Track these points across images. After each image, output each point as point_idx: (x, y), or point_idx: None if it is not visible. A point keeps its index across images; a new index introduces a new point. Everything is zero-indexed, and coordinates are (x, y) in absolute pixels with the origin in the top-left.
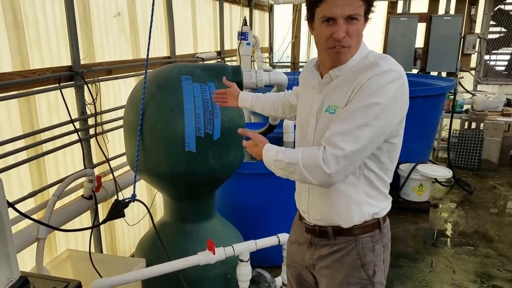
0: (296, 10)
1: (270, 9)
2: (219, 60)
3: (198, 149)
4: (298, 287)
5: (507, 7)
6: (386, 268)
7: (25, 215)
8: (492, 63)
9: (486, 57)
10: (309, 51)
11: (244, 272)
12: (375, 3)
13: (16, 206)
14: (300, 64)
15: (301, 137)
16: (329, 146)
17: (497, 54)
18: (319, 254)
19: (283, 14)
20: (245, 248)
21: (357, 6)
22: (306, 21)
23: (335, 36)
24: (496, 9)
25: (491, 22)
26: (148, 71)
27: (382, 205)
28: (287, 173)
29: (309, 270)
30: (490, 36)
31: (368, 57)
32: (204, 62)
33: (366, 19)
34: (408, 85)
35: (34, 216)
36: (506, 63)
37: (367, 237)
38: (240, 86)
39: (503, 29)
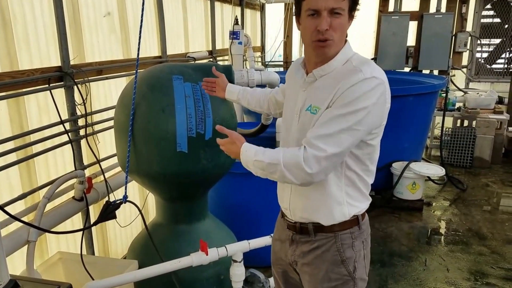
0: (288, 9)
1: (262, 8)
2: (211, 59)
3: (190, 149)
4: (284, 284)
5: None
6: (367, 264)
7: (15, 218)
8: (483, 55)
9: (478, 54)
10: (301, 50)
11: (238, 273)
12: (361, 1)
13: (5, 208)
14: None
15: (286, 134)
16: (310, 147)
17: (489, 45)
18: (301, 250)
19: (275, 13)
20: (238, 248)
21: (340, 0)
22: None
23: (319, 28)
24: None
25: (484, 13)
26: (138, 71)
27: (362, 206)
28: (267, 173)
29: (293, 267)
30: (484, 20)
31: (351, 61)
32: (196, 61)
33: (351, 16)
34: (389, 90)
35: (24, 219)
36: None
37: (346, 234)
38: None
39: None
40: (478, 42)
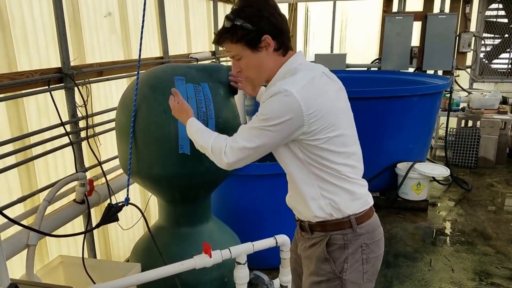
0: (292, 9)
1: None
2: (214, 60)
3: (192, 151)
4: (293, 269)
5: None
6: (367, 270)
7: (14, 221)
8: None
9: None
10: (305, 50)
11: (242, 275)
12: (365, 2)
13: (4, 212)
14: None
15: None
16: (232, 138)
17: (492, 44)
18: (303, 245)
19: None
20: (242, 250)
21: (230, 52)
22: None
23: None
24: None
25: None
26: (140, 72)
27: (345, 200)
28: (201, 150)
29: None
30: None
31: (284, 75)
32: (199, 62)
33: (258, 49)
34: (301, 100)
35: (24, 222)
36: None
37: (338, 235)
38: (235, 86)
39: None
40: (482, 42)
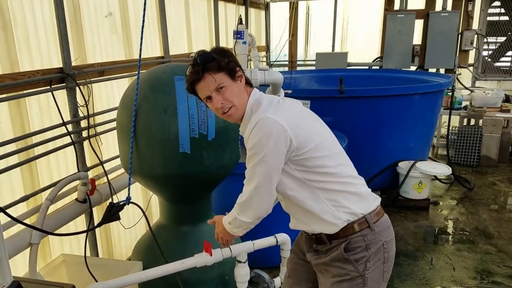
0: (293, 8)
1: (266, 7)
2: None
3: (192, 150)
4: (291, 270)
5: None
6: (387, 268)
7: (17, 220)
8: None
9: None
10: (306, 49)
11: (242, 273)
12: (366, 0)
13: (7, 210)
14: (298, 62)
15: None
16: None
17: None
18: (318, 255)
19: (280, 12)
20: (242, 249)
21: (214, 82)
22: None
23: (215, 106)
24: None
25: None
26: (141, 71)
27: (354, 203)
28: (239, 229)
29: (306, 261)
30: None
31: (252, 109)
32: None
33: (236, 78)
34: (278, 119)
35: (27, 221)
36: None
37: (358, 237)
38: None
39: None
40: (485, 40)
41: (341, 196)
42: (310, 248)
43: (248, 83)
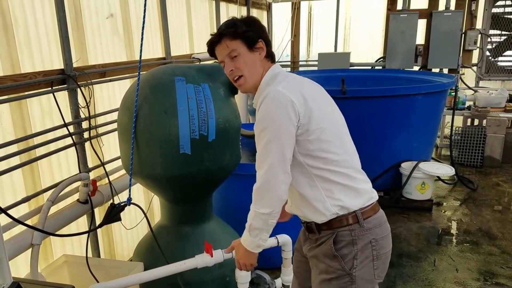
0: (295, 8)
1: (268, 8)
2: (216, 60)
3: (193, 151)
4: (296, 269)
5: None
6: (378, 266)
7: (18, 221)
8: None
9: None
10: (308, 50)
11: (243, 274)
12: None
13: (9, 211)
14: (300, 63)
15: None
16: (257, 176)
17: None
18: (310, 245)
19: (282, 12)
20: None
21: (227, 48)
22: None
23: (225, 72)
24: None
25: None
26: (141, 73)
27: (349, 197)
28: (260, 226)
29: (306, 259)
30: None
31: (268, 83)
32: (201, 62)
33: (253, 49)
34: (292, 94)
35: (28, 222)
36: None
37: (345, 231)
38: (235, 87)
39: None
40: (489, 39)
41: (337, 188)
42: (306, 239)
43: (270, 57)
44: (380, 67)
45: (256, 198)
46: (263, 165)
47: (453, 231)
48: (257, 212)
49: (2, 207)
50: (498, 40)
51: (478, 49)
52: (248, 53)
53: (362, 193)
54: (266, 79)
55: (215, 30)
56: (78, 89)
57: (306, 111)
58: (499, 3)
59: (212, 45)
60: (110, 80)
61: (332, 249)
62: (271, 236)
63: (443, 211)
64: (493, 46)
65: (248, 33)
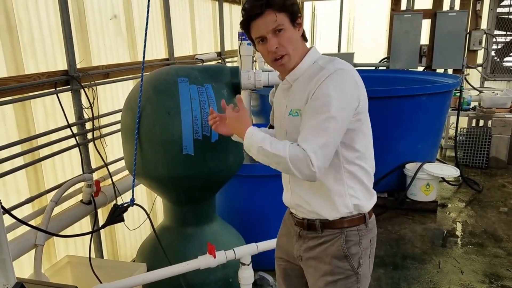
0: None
1: None
2: (220, 61)
3: (196, 152)
4: (282, 277)
5: None
6: (371, 263)
7: (22, 221)
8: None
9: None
10: None
11: (246, 276)
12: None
13: (12, 212)
14: None
15: None
16: (305, 143)
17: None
18: (307, 245)
19: None
20: (246, 251)
21: (275, 21)
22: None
23: (269, 49)
24: None
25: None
26: (145, 73)
27: (365, 198)
28: (270, 161)
29: (297, 262)
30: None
31: (318, 62)
32: (204, 63)
33: (296, 25)
34: (357, 76)
35: (32, 222)
36: None
37: (353, 231)
38: (238, 87)
39: None
40: (494, 40)
41: (358, 186)
42: (298, 239)
43: (304, 36)
44: (384, 68)
45: (291, 159)
46: (315, 140)
47: (458, 233)
48: (284, 161)
49: (6, 207)
50: (504, 40)
51: (483, 49)
52: (292, 29)
53: (373, 195)
54: (313, 57)
55: (218, 31)
56: (82, 90)
57: (362, 99)
58: (504, 2)
59: (251, 18)
60: (114, 81)
61: (344, 249)
62: (273, 237)
63: (448, 212)
64: (499, 47)
65: (294, 6)
